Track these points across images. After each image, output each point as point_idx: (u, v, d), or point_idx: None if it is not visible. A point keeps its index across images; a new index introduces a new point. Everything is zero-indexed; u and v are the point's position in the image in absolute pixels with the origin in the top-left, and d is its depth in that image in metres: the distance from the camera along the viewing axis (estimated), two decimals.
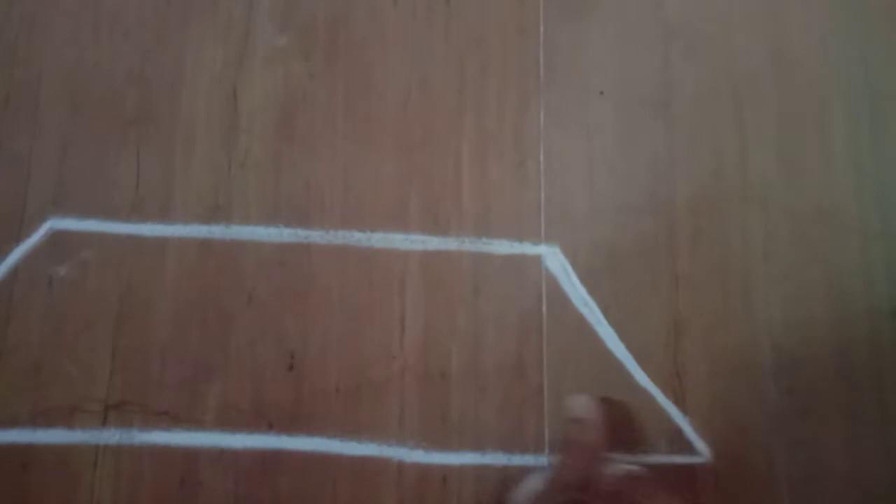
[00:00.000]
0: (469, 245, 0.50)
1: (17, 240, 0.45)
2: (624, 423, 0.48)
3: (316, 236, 0.48)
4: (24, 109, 0.47)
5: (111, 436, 0.44)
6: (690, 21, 0.53)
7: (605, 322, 0.49)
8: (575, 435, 0.43)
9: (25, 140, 0.47)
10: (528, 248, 0.50)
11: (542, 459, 0.47)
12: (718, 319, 0.49)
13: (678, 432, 0.48)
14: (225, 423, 0.45)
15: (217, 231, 0.47)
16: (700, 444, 0.48)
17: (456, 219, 0.50)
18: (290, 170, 0.49)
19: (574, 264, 0.50)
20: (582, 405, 0.44)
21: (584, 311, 0.49)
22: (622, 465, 0.43)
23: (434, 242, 0.49)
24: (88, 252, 0.46)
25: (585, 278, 0.49)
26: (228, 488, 0.44)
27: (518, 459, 0.47)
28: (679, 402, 0.48)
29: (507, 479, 0.46)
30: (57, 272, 0.45)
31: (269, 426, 0.45)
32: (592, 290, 0.49)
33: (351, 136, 0.50)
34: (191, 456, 0.44)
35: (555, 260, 0.50)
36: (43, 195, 0.46)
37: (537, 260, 0.50)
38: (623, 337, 0.49)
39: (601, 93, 0.52)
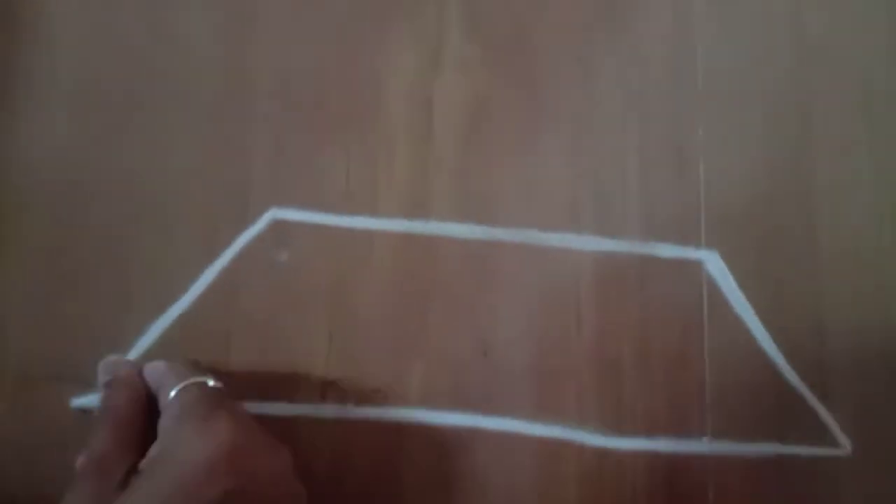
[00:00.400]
0: (636, 248, 0.54)
1: (242, 226, 0.49)
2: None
3: (500, 233, 0.53)
4: (244, 103, 0.51)
5: (329, 410, 0.48)
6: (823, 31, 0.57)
7: (759, 323, 0.54)
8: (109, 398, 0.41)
9: (244, 132, 0.51)
10: (689, 253, 0.55)
11: (705, 446, 0.51)
12: (863, 314, 0.54)
13: (822, 426, 0.53)
14: (427, 401, 0.49)
15: (417, 226, 0.51)
16: (843, 439, 0.52)
17: (623, 222, 0.54)
18: (479, 170, 0.53)
19: (732, 268, 0.54)
20: (108, 367, 0.43)
21: (740, 312, 0.54)
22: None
23: (605, 244, 0.54)
24: (306, 240, 0.50)
25: (742, 281, 0.54)
26: (431, 460, 0.48)
27: (684, 446, 0.51)
28: (823, 396, 0.53)
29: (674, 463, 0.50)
30: (279, 257, 0.49)
31: (467, 404, 0.49)
32: (748, 293, 0.54)
33: (528, 140, 0.54)
34: (399, 430, 0.48)
35: (715, 265, 0.54)
36: (264, 186, 0.50)
37: (698, 264, 0.54)
38: (775, 336, 0.53)
39: (750, 106, 0.57)
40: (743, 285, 0.54)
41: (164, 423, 0.38)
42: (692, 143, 0.56)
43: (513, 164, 0.54)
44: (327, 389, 0.48)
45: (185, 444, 0.33)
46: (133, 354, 0.47)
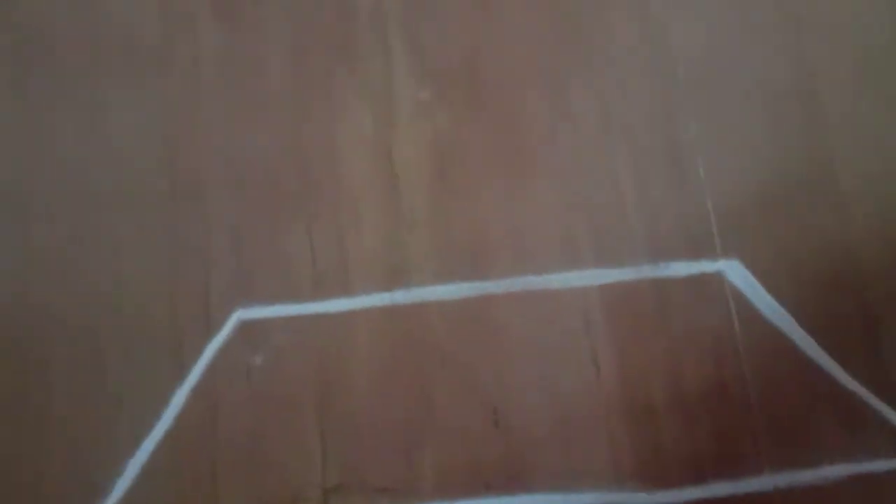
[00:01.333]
0: (647, 272, 0.48)
1: (208, 334, 0.45)
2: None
3: (493, 287, 0.47)
4: (192, 200, 0.47)
5: None
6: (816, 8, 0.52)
7: (799, 329, 0.47)
8: None
9: (198, 231, 0.47)
10: (706, 266, 0.49)
11: (767, 483, 0.45)
12: None
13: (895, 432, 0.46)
14: (443, 490, 0.44)
15: (399, 296, 0.47)
16: None
17: (627, 246, 0.49)
18: (457, 221, 0.48)
19: (756, 274, 0.48)
20: None
21: (776, 321, 0.48)
22: None
23: (611, 275, 0.48)
24: (280, 337, 0.45)
25: (770, 288, 0.48)
26: None
27: (744, 486, 0.45)
28: (890, 398, 0.46)
29: None
30: (254, 361, 0.45)
31: (487, 487, 0.44)
32: (780, 298, 0.48)
33: (506, 177, 0.49)
34: None
35: (737, 273, 0.49)
36: (225, 286, 0.46)
37: (719, 276, 0.48)
38: (820, 341, 0.47)
39: (744, 91, 0.51)
40: (773, 291, 0.48)
41: None
42: (686, 143, 0.50)
43: (493, 208, 0.49)
44: (329, 498, 0.43)
45: None
46: (115, 496, 0.42)
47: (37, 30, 0.50)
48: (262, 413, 0.44)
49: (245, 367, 0.45)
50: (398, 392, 0.45)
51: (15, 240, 0.47)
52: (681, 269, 0.49)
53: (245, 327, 0.45)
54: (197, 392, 0.44)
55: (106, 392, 0.44)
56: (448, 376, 0.46)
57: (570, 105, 0.51)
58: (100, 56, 0.49)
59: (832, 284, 0.48)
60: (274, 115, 0.49)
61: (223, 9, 0.50)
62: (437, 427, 0.45)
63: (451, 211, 0.48)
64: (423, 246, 0.48)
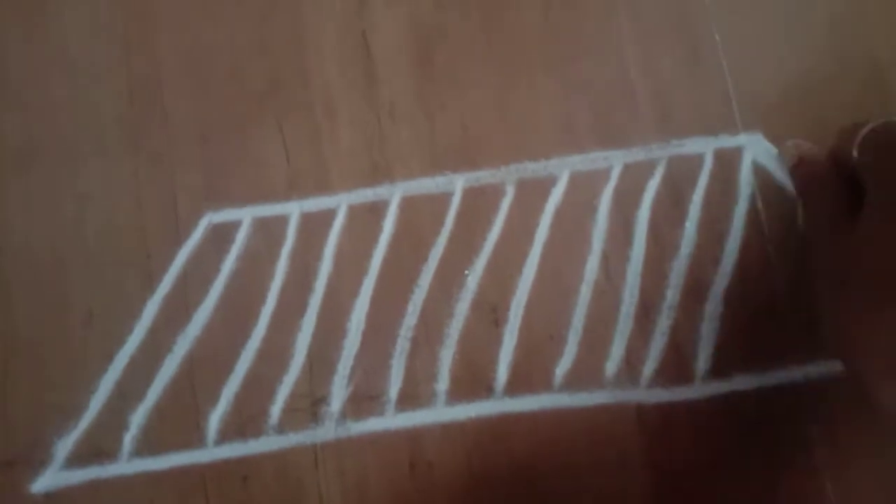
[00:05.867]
0: (658, 151, 0.43)
1: (178, 242, 0.42)
2: None
3: (487, 176, 0.43)
4: (152, 104, 0.43)
5: (326, 431, 0.40)
6: None
7: None
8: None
9: (161, 135, 0.43)
10: (726, 142, 0.43)
11: (795, 373, 0.40)
12: None
13: None
14: (443, 394, 0.40)
15: (383, 192, 0.43)
16: None
17: (635, 126, 0.44)
18: (442, 112, 0.44)
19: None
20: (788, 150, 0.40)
21: None
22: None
23: (618, 157, 0.43)
24: (254, 240, 0.42)
25: None
26: (460, 462, 0.40)
27: (769, 379, 0.41)
28: None
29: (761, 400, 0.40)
30: (227, 267, 0.41)
31: (489, 391, 0.40)
32: None
33: (496, 62, 0.44)
34: (416, 438, 0.40)
35: (759, 147, 0.43)
36: (193, 191, 0.42)
37: (740, 152, 0.43)
38: None
39: None
40: None
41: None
42: (699, 9, 0.44)
43: (483, 94, 0.44)
44: (318, 408, 0.40)
45: None
46: (90, 415, 0.40)
47: None
48: (239, 320, 0.41)
49: (217, 272, 0.41)
50: (385, 291, 0.42)
51: None
52: (696, 145, 0.44)
53: (216, 231, 0.42)
54: (168, 301, 0.41)
55: (73, 310, 0.42)
56: (441, 274, 0.42)
57: None
58: None
59: None
60: (235, 7, 0.45)
61: None
62: (430, 330, 0.41)
63: (437, 99, 0.44)
64: (407, 137, 0.43)
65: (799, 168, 0.39)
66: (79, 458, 0.40)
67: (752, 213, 0.42)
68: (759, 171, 0.43)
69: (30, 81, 0.45)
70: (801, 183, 0.39)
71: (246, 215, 0.42)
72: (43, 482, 0.39)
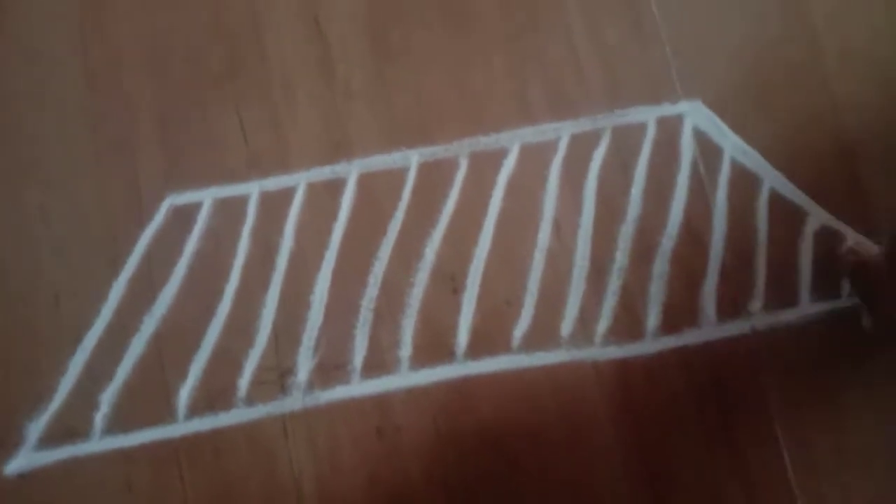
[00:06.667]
0: (603, 121, 0.45)
1: (141, 224, 0.43)
2: None
3: (442, 151, 0.45)
4: (111, 89, 0.44)
5: (294, 401, 0.41)
6: None
7: (769, 166, 0.45)
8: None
9: (121, 120, 0.44)
10: (667, 110, 0.46)
11: (743, 325, 0.42)
12: (891, 133, 0.44)
13: None
14: (408, 361, 0.42)
15: (341, 170, 0.44)
16: None
17: (583, 97, 0.45)
18: (398, 88, 0.45)
19: (722, 114, 0.45)
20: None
21: (744, 160, 0.45)
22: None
23: (566, 127, 0.45)
24: (216, 219, 0.43)
25: (737, 127, 0.45)
26: (427, 425, 0.41)
27: (720, 331, 0.43)
28: (872, 234, 0.43)
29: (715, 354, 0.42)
30: (190, 247, 0.42)
31: (451, 355, 0.42)
32: (748, 137, 0.45)
33: (450, 37, 0.46)
34: (382, 403, 0.41)
35: (699, 114, 0.45)
36: (154, 174, 0.43)
37: (680, 119, 0.45)
38: (793, 177, 0.44)
39: None
40: (740, 131, 0.45)
41: None
42: None
43: (436, 71, 0.45)
44: (286, 379, 0.41)
45: None
46: (60, 396, 0.41)
47: None
48: (204, 299, 0.42)
49: (180, 253, 0.42)
50: (346, 265, 0.43)
51: None
52: (639, 114, 0.46)
53: (178, 212, 0.43)
54: (134, 282, 0.42)
55: (42, 294, 0.42)
56: (402, 244, 0.43)
57: None
58: None
59: (804, 119, 0.45)
60: None
61: None
62: (392, 300, 0.43)
63: (391, 77, 0.45)
64: (363, 116, 0.45)
65: (861, 271, 0.41)
66: (51, 439, 0.40)
67: (695, 177, 0.44)
68: (700, 137, 0.45)
69: None
70: (864, 286, 0.41)
71: (207, 196, 0.43)
72: (16, 464, 0.40)
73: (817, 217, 0.44)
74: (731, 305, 0.43)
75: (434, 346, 0.42)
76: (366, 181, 0.44)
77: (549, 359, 0.42)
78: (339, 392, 0.41)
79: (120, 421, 0.41)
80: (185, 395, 0.41)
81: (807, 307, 0.43)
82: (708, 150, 0.45)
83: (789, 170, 0.45)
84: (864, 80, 0.45)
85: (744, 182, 0.44)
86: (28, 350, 0.41)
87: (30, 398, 0.41)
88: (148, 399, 0.41)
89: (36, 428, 0.40)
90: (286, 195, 0.44)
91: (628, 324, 0.43)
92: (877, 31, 0.46)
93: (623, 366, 0.42)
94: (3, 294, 0.42)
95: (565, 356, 0.42)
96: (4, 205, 0.43)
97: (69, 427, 0.40)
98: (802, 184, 0.44)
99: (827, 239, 0.44)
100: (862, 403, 0.42)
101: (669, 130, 0.45)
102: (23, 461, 0.40)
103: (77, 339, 0.41)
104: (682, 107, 0.46)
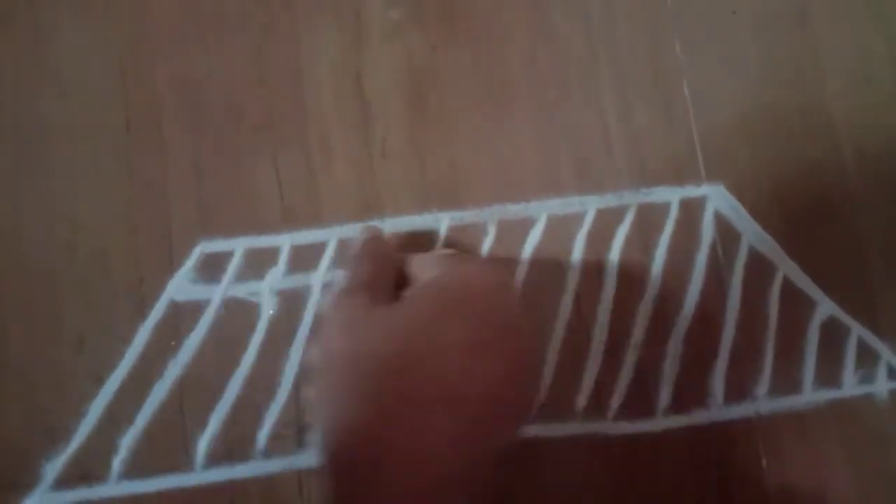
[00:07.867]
0: (629, 198, 0.47)
1: (170, 270, 0.43)
2: None
3: (471, 216, 0.45)
4: (148, 132, 0.44)
5: (311, 458, 0.42)
6: None
7: (785, 257, 0.46)
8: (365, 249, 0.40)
9: (157, 164, 0.44)
10: (691, 192, 0.47)
11: (748, 409, 0.44)
12: None
13: (879, 361, 0.46)
14: None
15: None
16: None
17: (610, 173, 0.47)
18: (431, 151, 0.46)
19: (742, 200, 0.47)
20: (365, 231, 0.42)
21: (761, 247, 0.46)
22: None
23: (593, 202, 0.47)
24: (246, 270, 0.43)
25: (756, 214, 0.46)
26: None
27: (724, 413, 0.44)
28: (877, 329, 0.45)
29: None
30: (217, 295, 0.43)
31: None
32: (766, 226, 0.46)
33: (485, 105, 0.47)
34: None
35: (721, 198, 0.47)
36: (187, 219, 0.44)
37: (702, 201, 0.47)
38: (807, 269, 0.46)
39: (734, 12, 0.49)
40: (758, 218, 0.46)
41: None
42: (672, 66, 0.48)
43: (471, 136, 0.46)
44: (304, 434, 0.42)
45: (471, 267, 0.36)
46: (79, 438, 0.41)
47: None
48: (230, 351, 0.42)
49: (208, 301, 0.43)
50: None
51: None
52: (664, 194, 0.47)
53: (209, 260, 0.43)
54: (159, 329, 0.42)
55: (65, 335, 0.42)
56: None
57: (552, 27, 0.48)
58: None
59: (823, 215, 0.46)
60: (232, 39, 0.46)
61: None
62: None
63: (426, 138, 0.46)
64: (398, 175, 0.46)
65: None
66: (67, 481, 0.40)
67: (713, 259, 0.46)
68: (721, 221, 0.46)
69: (23, 105, 0.45)
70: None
71: (239, 245, 0.43)
72: (33, 502, 0.40)
73: (826, 308, 0.46)
74: (739, 388, 0.44)
75: None
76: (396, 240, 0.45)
77: (564, 430, 0.44)
78: None
79: (137, 466, 0.41)
80: (203, 444, 0.41)
81: (809, 395, 0.45)
82: (727, 235, 0.46)
83: (803, 260, 0.46)
84: (881, 180, 0.47)
85: (759, 268, 0.46)
86: (49, 390, 0.42)
87: (48, 438, 0.41)
88: (166, 446, 0.41)
89: (53, 469, 0.40)
90: (317, 249, 0.44)
91: (640, 400, 0.44)
92: (894, 132, 0.48)
93: (632, 442, 0.44)
94: (27, 332, 0.42)
95: (579, 429, 0.44)
96: (31, 241, 0.43)
97: (86, 470, 0.41)
98: (814, 274, 0.46)
99: (833, 330, 0.45)
100: (854, 498, 0.43)
101: (692, 212, 0.47)
102: (38, 502, 0.40)
103: (99, 382, 0.42)
104: (706, 189, 0.47)
